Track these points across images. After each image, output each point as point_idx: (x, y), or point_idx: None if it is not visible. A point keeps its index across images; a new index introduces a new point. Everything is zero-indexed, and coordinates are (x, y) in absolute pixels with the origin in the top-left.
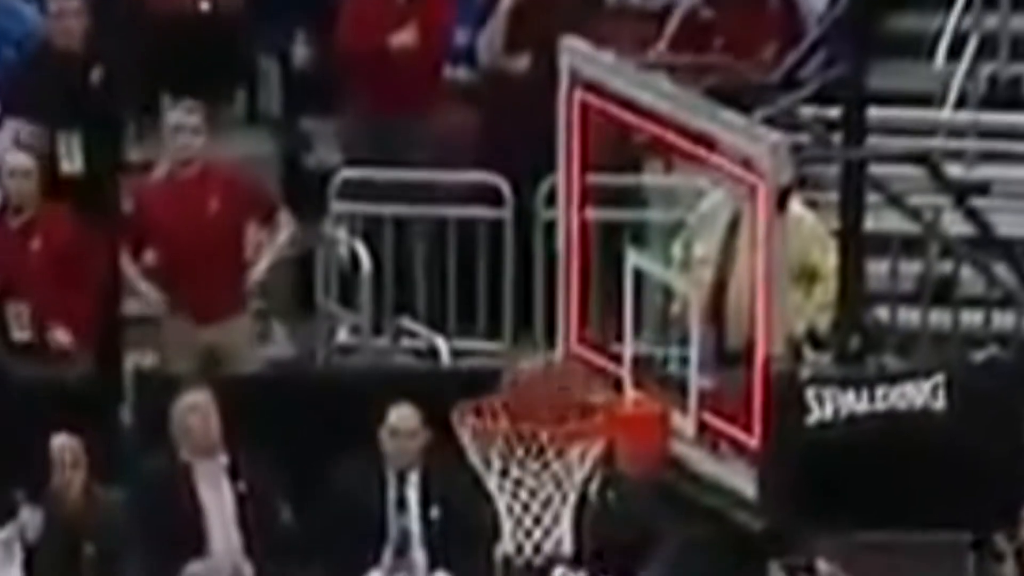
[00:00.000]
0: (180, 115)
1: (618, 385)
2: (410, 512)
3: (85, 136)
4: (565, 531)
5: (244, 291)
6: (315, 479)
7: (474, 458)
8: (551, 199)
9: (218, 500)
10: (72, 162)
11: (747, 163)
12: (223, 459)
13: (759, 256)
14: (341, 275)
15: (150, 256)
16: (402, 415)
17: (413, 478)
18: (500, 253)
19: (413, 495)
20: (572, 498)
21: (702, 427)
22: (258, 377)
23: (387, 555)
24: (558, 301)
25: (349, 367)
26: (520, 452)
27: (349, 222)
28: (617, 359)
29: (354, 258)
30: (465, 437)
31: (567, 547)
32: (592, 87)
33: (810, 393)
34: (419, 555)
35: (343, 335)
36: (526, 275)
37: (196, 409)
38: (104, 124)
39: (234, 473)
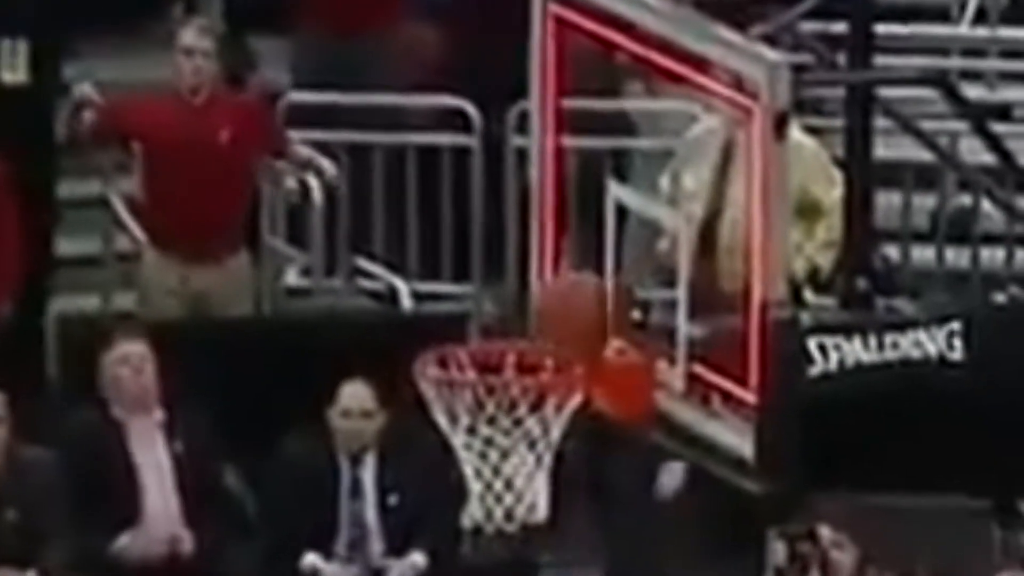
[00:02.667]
0: (192, 36)
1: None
2: (365, 499)
3: (32, 44)
4: (540, 495)
5: (244, 228)
6: (261, 440)
7: (438, 414)
8: (523, 124)
9: (154, 461)
10: (15, 72)
11: (741, 85)
12: (159, 416)
13: (755, 189)
14: (289, 210)
15: (134, 186)
16: (354, 394)
17: (369, 461)
18: (467, 185)
19: (369, 480)
20: (548, 459)
21: (692, 380)
22: (195, 324)
23: (340, 545)
24: (531, 239)
25: (299, 313)
26: (490, 407)
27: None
28: None
29: (304, 190)
30: (428, 391)
31: (542, 513)
32: (568, 0)
33: (812, 342)
34: (376, 545)
35: (292, 277)
36: (496, 210)
37: (127, 360)
38: (51, 32)
39: (171, 431)
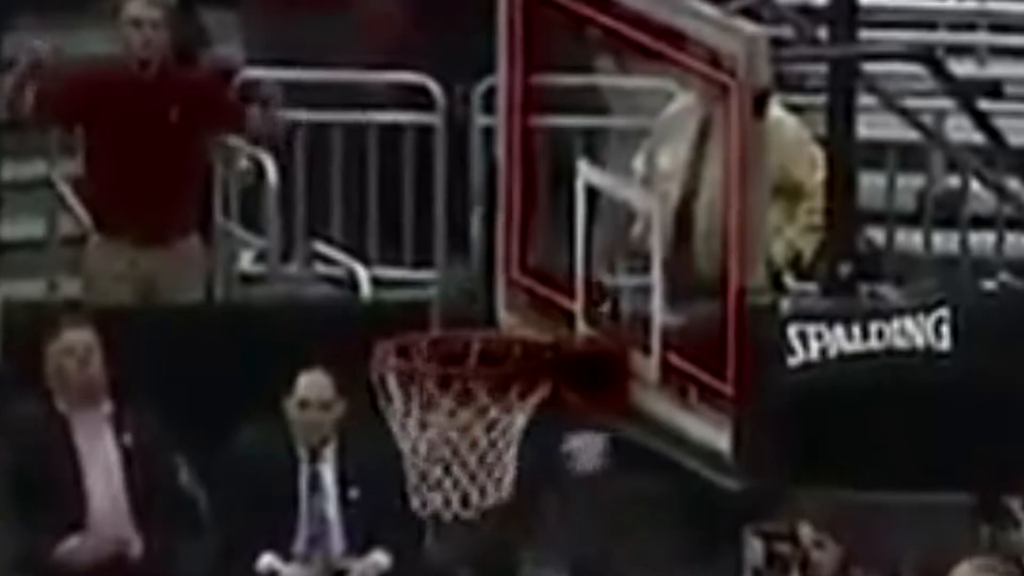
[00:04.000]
0: (140, 7)
1: (568, 320)
2: (325, 493)
3: None
4: (505, 487)
5: (196, 209)
6: (214, 434)
7: (398, 405)
8: (489, 102)
9: (101, 457)
10: None
11: (718, 60)
12: (107, 409)
13: (733, 169)
14: (243, 191)
15: (79, 167)
16: (313, 384)
17: (328, 454)
18: (430, 166)
19: (328, 474)
20: (512, 450)
21: (667, 370)
22: (144, 311)
23: (300, 543)
24: (497, 222)
25: (253, 300)
26: (448, 400)
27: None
28: (566, 290)
29: (259, 171)
30: (388, 381)
31: (504, 492)
32: None
33: (793, 330)
34: (337, 542)
35: (246, 262)
36: (460, 192)
37: (73, 351)
38: None
39: (119, 425)
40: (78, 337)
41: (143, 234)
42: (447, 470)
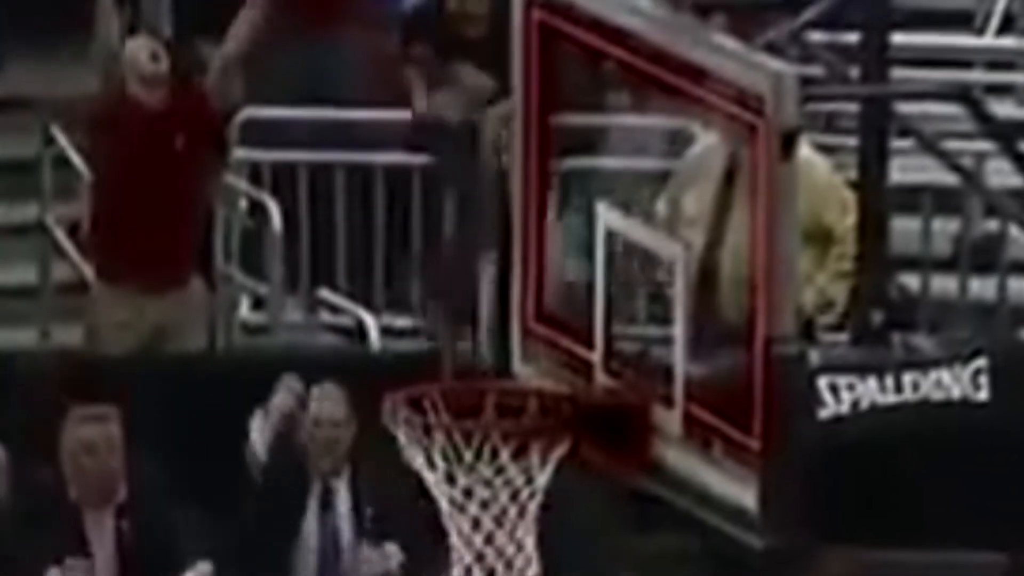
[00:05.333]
0: (143, 38)
1: (587, 371)
2: (338, 512)
3: None
4: (528, 550)
5: (198, 252)
6: (216, 489)
7: (412, 461)
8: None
9: (106, 546)
10: None
11: (744, 99)
12: (120, 498)
13: (760, 213)
14: (245, 235)
15: (78, 211)
16: (327, 398)
17: (343, 476)
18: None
19: (342, 492)
20: (532, 509)
21: (690, 423)
22: (140, 363)
23: (310, 564)
24: (512, 269)
25: (254, 350)
26: (468, 455)
27: (254, 170)
28: (585, 340)
29: (261, 214)
30: (400, 435)
31: (532, 572)
32: (553, 5)
33: (823, 381)
34: (350, 564)
35: (246, 310)
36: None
37: (94, 450)
38: None
39: (121, 513)
40: (98, 433)
41: (149, 280)
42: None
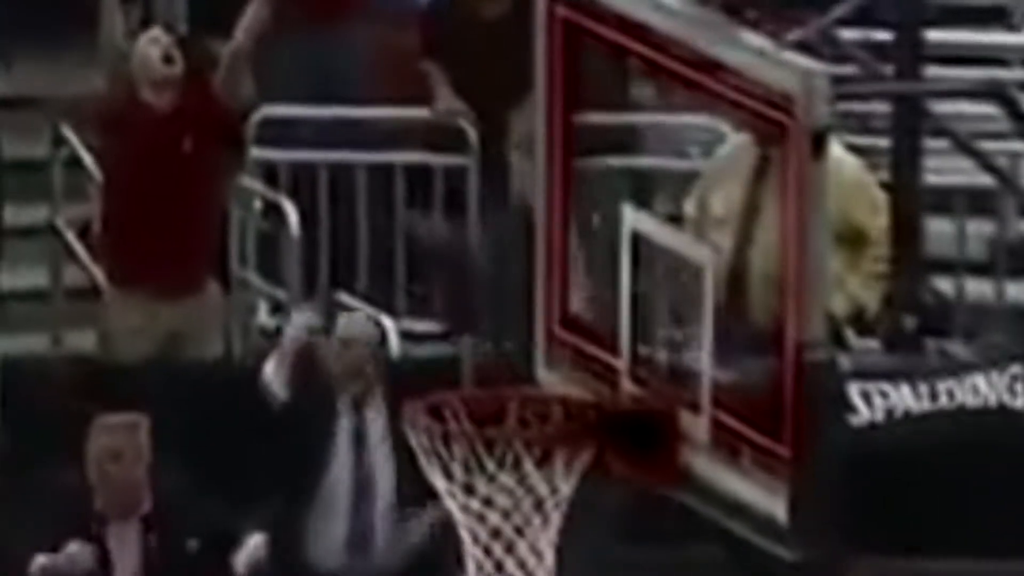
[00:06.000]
0: (157, 32)
1: (613, 378)
2: (371, 445)
3: None
4: (548, 561)
5: (213, 256)
6: (234, 498)
7: (430, 470)
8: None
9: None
10: None
11: (775, 98)
12: (144, 509)
13: (790, 215)
14: (261, 238)
15: (89, 213)
16: (354, 322)
17: (374, 402)
18: (462, 211)
19: (375, 421)
20: (556, 519)
21: (718, 431)
22: (155, 369)
23: (343, 500)
24: (536, 272)
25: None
26: (490, 464)
27: (270, 171)
28: (611, 345)
29: (278, 216)
30: (419, 443)
31: None
32: (579, 1)
33: (855, 388)
34: (385, 498)
35: (263, 315)
36: (495, 238)
37: (120, 457)
38: None
39: (148, 525)
40: (128, 441)
41: (161, 285)
42: (487, 551)
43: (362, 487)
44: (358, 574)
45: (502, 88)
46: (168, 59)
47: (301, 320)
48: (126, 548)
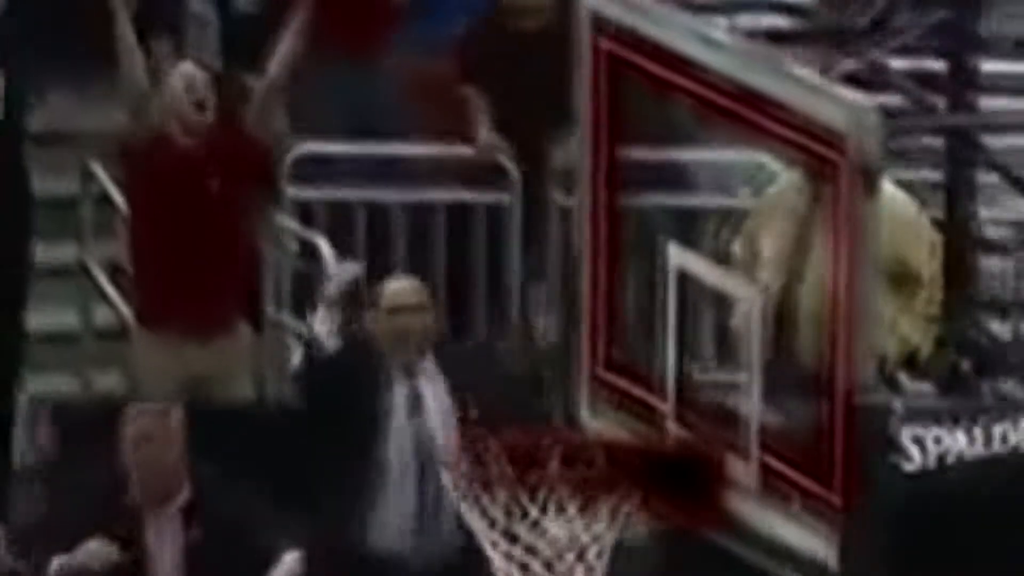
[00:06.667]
0: (190, 67)
1: (658, 422)
2: (429, 410)
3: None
4: None
5: (244, 297)
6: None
7: (470, 517)
8: (569, 179)
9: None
10: None
11: (825, 134)
12: (183, 498)
13: (841, 254)
14: (297, 278)
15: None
16: (401, 289)
17: (427, 367)
18: (503, 250)
19: (430, 388)
20: (601, 568)
21: (767, 476)
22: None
23: (407, 474)
24: (579, 312)
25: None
26: (534, 510)
27: (305, 210)
28: (656, 388)
29: (313, 256)
30: (457, 488)
31: None
32: (622, 34)
33: (907, 433)
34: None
35: (299, 358)
36: (536, 278)
37: (152, 440)
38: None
39: (189, 516)
40: (159, 424)
41: (190, 326)
42: None
43: (425, 457)
44: (426, 556)
45: (542, 115)
46: (200, 106)
47: (344, 270)
48: (166, 543)
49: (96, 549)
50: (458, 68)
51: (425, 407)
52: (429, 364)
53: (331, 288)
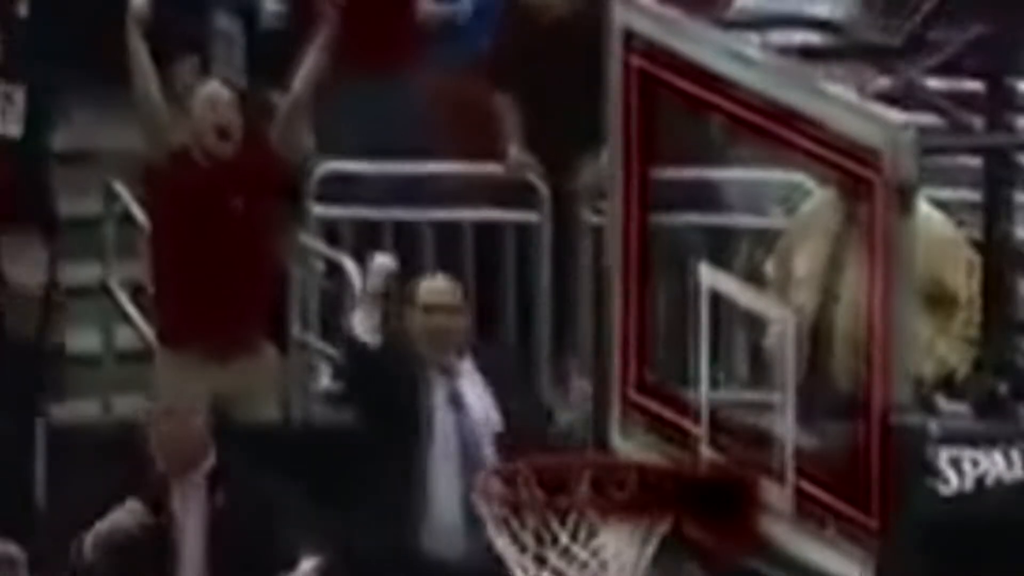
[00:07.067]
0: (215, 87)
1: (691, 445)
2: (471, 408)
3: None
4: None
5: (268, 317)
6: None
7: (499, 541)
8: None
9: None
10: (6, 123)
11: (860, 152)
12: (208, 465)
13: (876, 274)
14: (323, 299)
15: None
16: (435, 287)
17: (465, 367)
18: (532, 270)
19: (470, 387)
20: None
21: (801, 500)
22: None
23: (453, 470)
24: (610, 333)
25: (335, 423)
26: (564, 536)
27: (332, 229)
28: (689, 410)
29: (340, 276)
30: (489, 512)
31: None
32: (654, 51)
33: (944, 455)
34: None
35: (326, 379)
36: (566, 299)
37: (173, 412)
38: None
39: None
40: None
41: (212, 346)
42: None
43: (469, 458)
44: (472, 558)
45: (575, 123)
46: (223, 133)
47: (380, 266)
48: (191, 508)
49: (129, 509)
50: (490, 69)
51: (466, 407)
52: (467, 365)
53: (369, 283)
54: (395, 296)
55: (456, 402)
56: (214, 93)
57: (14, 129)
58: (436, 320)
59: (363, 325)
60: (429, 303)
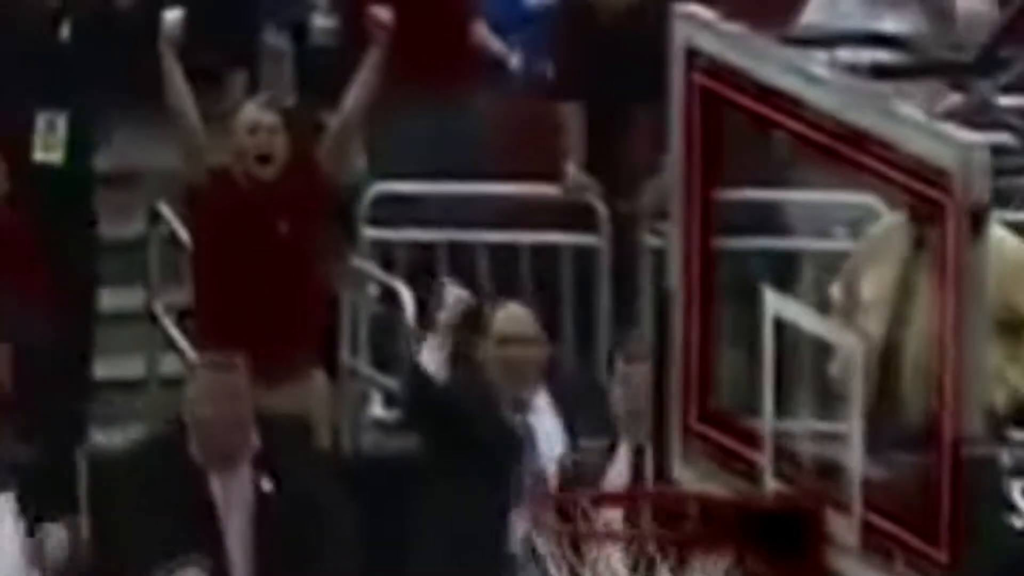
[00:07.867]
0: (254, 111)
1: (755, 475)
2: (541, 444)
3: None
4: None
5: (317, 342)
6: None
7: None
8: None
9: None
10: (49, 150)
11: (930, 174)
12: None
13: (947, 299)
14: (375, 324)
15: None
16: (511, 317)
17: (540, 402)
18: (591, 294)
19: (542, 425)
20: None
21: (869, 532)
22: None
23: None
24: (671, 361)
25: (388, 452)
26: (623, 570)
27: (384, 252)
28: (753, 440)
29: (392, 301)
30: (545, 544)
31: None
32: (718, 69)
33: (1018, 487)
34: None
35: (378, 407)
36: (626, 324)
37: (214, 399)
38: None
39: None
40: (221, 380)
41: (257, 371)
42: None
43: (536, 494)
44: None
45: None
46: (264, 159)
47: (458, 298)
48: (235, 498)
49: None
50: (555, 77)
51: (539, 443)
52: (542, 400)
53: (444, 315)
54: (460, 325)
55: (528, 440)
56: (254, 119)
57: (56, 156)
58: (511, 351)
59: (432, 357)
60: (505, 333)
